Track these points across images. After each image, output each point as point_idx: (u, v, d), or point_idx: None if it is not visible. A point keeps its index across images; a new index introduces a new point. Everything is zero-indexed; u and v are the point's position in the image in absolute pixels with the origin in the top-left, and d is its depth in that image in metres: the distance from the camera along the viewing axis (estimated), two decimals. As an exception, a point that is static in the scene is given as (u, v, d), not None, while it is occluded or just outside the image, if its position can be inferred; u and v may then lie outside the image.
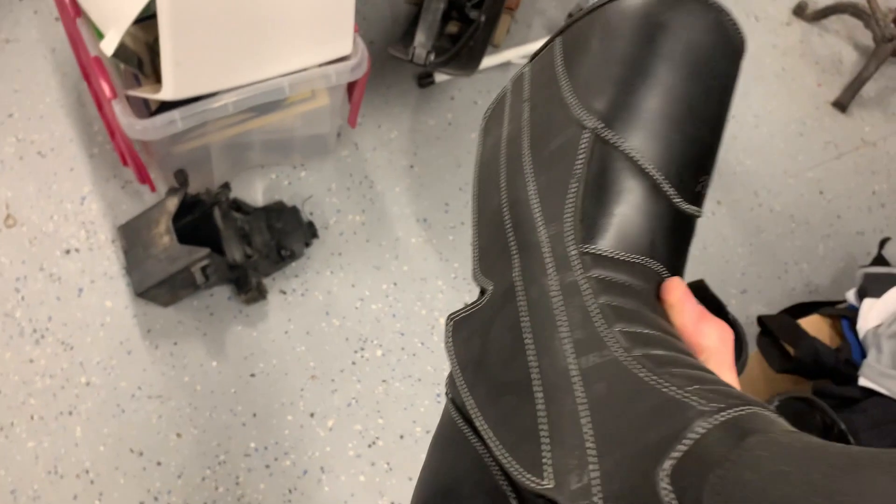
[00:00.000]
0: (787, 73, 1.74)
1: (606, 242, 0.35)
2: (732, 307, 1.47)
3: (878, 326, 1.06)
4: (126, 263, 1.24)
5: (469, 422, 0.35)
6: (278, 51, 1.11)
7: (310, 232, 1.34)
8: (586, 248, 0.35)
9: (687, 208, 0.36)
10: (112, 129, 1.20)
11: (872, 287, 1.14)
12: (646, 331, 0.32)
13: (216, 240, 1.24)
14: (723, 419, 0.26)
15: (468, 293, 1.35)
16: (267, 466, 1.18)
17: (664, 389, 0.29)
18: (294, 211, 1.34)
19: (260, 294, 1.26)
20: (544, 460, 0.31)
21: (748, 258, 1.51)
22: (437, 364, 1.29)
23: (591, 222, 0.35)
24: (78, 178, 1.33)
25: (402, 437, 1.24)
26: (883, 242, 1.34)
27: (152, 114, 1.18)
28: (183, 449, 1.18)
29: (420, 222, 1.41)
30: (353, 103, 1.31)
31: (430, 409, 1.26)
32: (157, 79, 1.16)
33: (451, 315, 0.38)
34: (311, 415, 1.23)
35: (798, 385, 1.16)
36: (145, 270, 1.20)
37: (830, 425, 0.99)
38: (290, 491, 1.18)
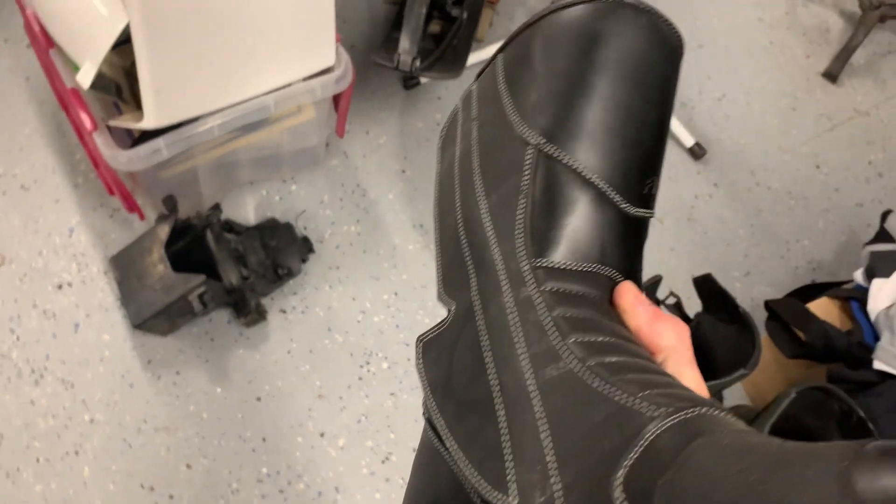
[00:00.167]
0: (775, 46, 1.72)
1: (558, 255, 0.35)
2: (736, 290, 1.46)
3: (890, 307, 1.05)
4: (121, 295, 1.21)
5: (444, 442, 0.36)
6: (260, 68, 1.08)
7: (305, 247, 1.31)
8: (538, 262, 0.35)
9: (635, 212, 0.36)
10: (95, 160, 1.17)
11: (880, 266, 1.12)
12: (601, 339, 0.33)
13: (210, 263, 1.21)
14: (669, 424, 0.27)
15: (470, 297, 1.33)
16: (281, 491, 1.17)
17: (616, 398, 0.29)
18: (288, 227, 1.31)
19: (260, 315, 1.24)
20: (508, 476, 0.31)
21: (749, 239, 1.49)
22: (444, 373, 1.27)
23: (541, 236, 0.36)
24: (64, 210, 1.30)
25: (415, 450, 1.22)
26: (885, 215, 1.33)
27: (135, 141, 1.15)
28: (194, 480, 1.16)
29: (416, 228, 1.38)
30: (339, 113, 1.28)
31: (441, 418, 1.25)
32: (137, 104, 1.13)
33: (420, 336, 0.39)
34: (322, 435, 1.21)
35: (811, 369, 1.15)
36: (141, 302, 1.17)
37: (849, 412, 0.98)
38: (306, 514, 1.16)
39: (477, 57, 1.49)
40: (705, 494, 0.24)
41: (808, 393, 0.98)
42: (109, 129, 1.08)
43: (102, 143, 1.04)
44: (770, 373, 1.24)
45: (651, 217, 0.38)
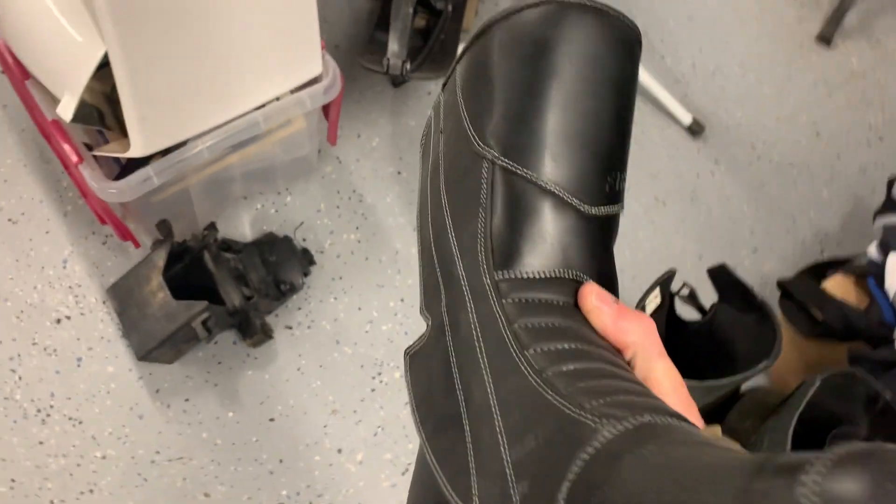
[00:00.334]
0: (766, 13, 1.68)
1: (519, 265, 0.36)
2: (745, 268, 1.44)
3: (909, 284, 1.03)
4: (122, 327, 1.18)
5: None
6: (247, 85, 1.04)
7: (306, 260, 1.28)
8: (500, 274, 0.35)
9: (596, 211, 0.36)
10: (83, 191, 1.13)
11: (894, 240, 1.10)
12: (563, 346, 0.33)
13: (211, 284, 1.18)
14: (611, 437, 0.27)
15: (478, 298, 1.31)
16: (303, 512, 1.15)
17: (567, 410, 0.30)
18: (286, 241, 1.28)
19: (266, 335, 1.21)
20: (473, 490, 0.32)
21: (754, 215, 1.47)
22: (458, 377, 1.25)
23: (501, 249, 0.36)
24: (55, 241, 1.26)
25: (434, 458, 1.20)
26: (891, 183, 1.30)
27: (123, 168, 1.12)
28: (214, 508, 1.14)
29: (417, 230, 1.35)
30: (330, 121, 1.24)
31: (458, 424, 1.23)
32: (121, 129, 1.09)
33: (406, 349, 0.39)
34: (339, 451, 1.19)
35: (829, 348, 1.14)
36: (144, 332, 1.14)
37: (875, 396, 0.97)
38: (330, 533, 1.15)
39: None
40: None
41: (833, 378, 0.96)
42: (96, 158, 1.05)
43: (90, 176, 1.00)
44: (787, 352, 1.22)
45: (618, 212, 0.38)
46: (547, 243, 0.36)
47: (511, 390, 0.32)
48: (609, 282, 0.37)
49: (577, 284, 0.36)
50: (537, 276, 0.35)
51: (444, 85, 0.43)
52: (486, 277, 0.36)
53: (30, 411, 1.16)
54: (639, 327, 0.36)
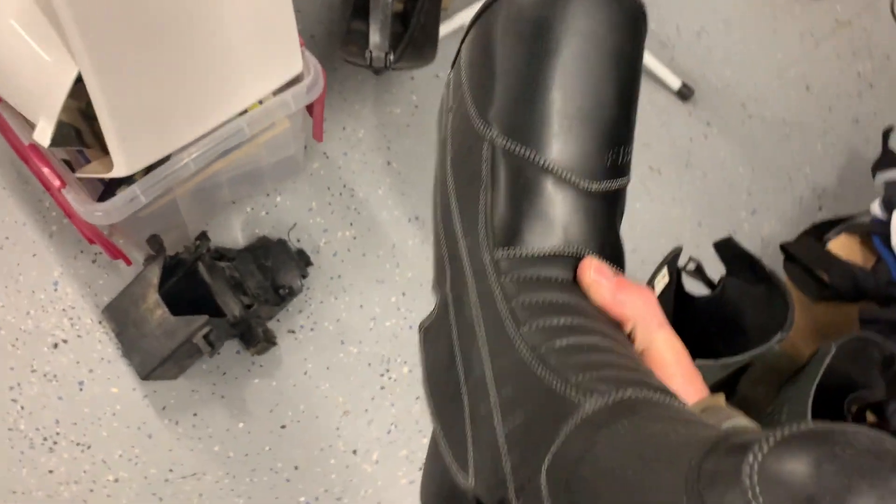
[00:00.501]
0: (747, -34, 1.65)
1: (520, 243, 0.36)
2: (745, 231, 1.42)
3: (917, 241, 1.02)
4: (122, 347, 1.16)
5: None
6: (228, 92, 1.01)
7: (302, 261, 1.26)
8: (501, 252, 0.36)
9: (597, 188, 0.36)
10: (68, 212, 1.10)
11: (898, 196, 1.09)
12: (560, 321, 0.33)
13: (208, 295, 1.16)
14: (589, 412, 0.28)
15: (480, 285, 1.29)
16: (323, 517, 1.14)
17: (554, 385, 0.30)
18: (281, 244, 1.25)
19: (269, 342, 1.19)
20: (469, 461, 0.34)
21: (750, 176, 1.45)
22: (467, 368, 1.24)
23: (502, 227, 0.36)
24: (44, 264, 1.23)
25: (450, 451, 1.20)
26: (886, 134, 1.29)
27: (107, 186, 1.09)
28: (233, 522, 1.13)
29: (412, 221, 1.33)
30: (315, 118, 1.21)
31: (471, 415, 1.22)
32: (101, 145, 1.05)
33: (421, 322, 0.40)
34: (354, 452, 1.18)
35: (839, 309, 1.13)
36: (145, 351, 1.12)
37: (890, 357, 0.96)
38: (352, 535, 1.14)
39: (447, 28, 1.41)
40: (596, 488, 0.26)
41: (847, 344, 0.95)
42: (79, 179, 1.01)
43: (74, 200, 0.97)
44: (796, 317, 1.21)
45: (622, 186, 0.37)
46: (547, 221, 0.36)
47: (506, 366, 0.33)
48: (614, 257, 0.37)
49: (577, 261, 0.36)
50: (537, 254, 0.36)
51: (454, 62, 0.43)
52: (486, 256, 0.36)
53: (36, 440, 1.14)
54: (637, 299, 0.36)
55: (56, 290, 1.22)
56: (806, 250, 1.15)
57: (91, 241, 1.15)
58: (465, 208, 0.38)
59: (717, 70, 1.53)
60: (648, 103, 1.47)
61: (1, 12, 0.90)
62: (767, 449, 0.20)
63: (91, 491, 1.12)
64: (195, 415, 1.18)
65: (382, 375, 1.23)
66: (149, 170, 1.00)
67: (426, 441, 1.19)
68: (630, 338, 0.36)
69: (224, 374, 1.20)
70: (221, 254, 1.22)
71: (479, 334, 0.35)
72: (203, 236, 1.21)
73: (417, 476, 1.18)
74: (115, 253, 1.14)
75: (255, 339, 1.17)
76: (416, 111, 1.41)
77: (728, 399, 0.34)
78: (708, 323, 1.04)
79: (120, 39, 0.86)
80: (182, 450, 1.16)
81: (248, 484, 1.15)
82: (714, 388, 0.35)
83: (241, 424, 1.18)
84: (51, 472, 1.13)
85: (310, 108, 1.19)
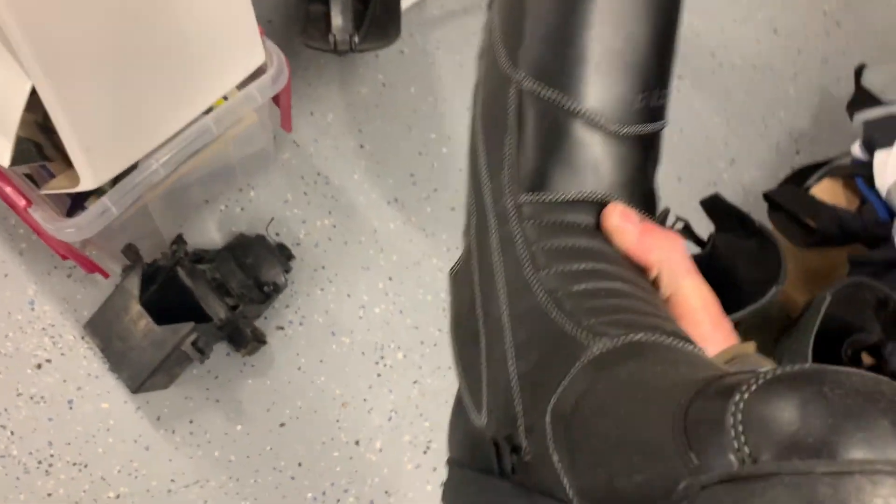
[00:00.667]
0: (705, -89, 1.62)
1: (544, 188, 0.35)
2: (725, 182, 1.42)
3: (901, 180, 1.02)
4: (109, 362, 1.13)
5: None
6: (191, 91, 0.97)
7: (284, 255, 1.23)
8: (525, 197, 0.35)
9: (627, 131, 0.35)
10: (37, 230, 1.06)
11: (878, 136, 1.08)
12: (580, 266, 0.33)
13: (190, 300, 1.13)
14: (595, 355, 0.28)
15: (467, 262, 1.27)
16: (332, 512, 1.13)
17: (566, 328, 0.30)
18: (260, 239, 1.22)
19: (259, 341, 1.17)
20: (483, 401, 0.34)
21: (726, 126, 1.44)
22: (461, 347, 1.23)
23: (526, 172, 0.36)
24: (17, 283, 1.19)
25: (453, 431, 1.19)
26: (858, 72, 1.28)
27: (75, 199, 1.05)
28: (242, 525, 1.12)
29: (391, 204, 1.30)
30: (282, 108, 1.18)
31: (470, 393, 1.21)
32: (63, 158, 1.01)
33: (451, 267, 0.41)
34: (357, 443, 1.17)
35: (828, 255, 1.13)
36: (133, 364, 1.09)
37: (884, 300, 0.96)
38: (363, 525, 1.14)
39: (408, 1, 1.37)
40: (591, 425, 0.26)
41: (841, 290, 0.95)
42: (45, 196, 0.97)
43: (42, 218, 0.93)
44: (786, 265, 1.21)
45: (655, 130, 0.37)
46: (572, 166, 0.35)
47: (522, 309, 0.33)
48: (645, 205, 0.37)
49: (602, 207, 0.36)
50: (561, 200, 0.35)
51: (490, 1, 0.42)
52: (509, 201, 0.36)
53: (30, 465, 1.11)
54: (664, 245, 0.35)
55: (33, 309, 1.18)
56: (790, 198, 1.15)
57: (64, 258, 1.12)
58: (491, 153, 0.37)
59: (684, 19, 1.51)
60: (618, 61, 1.45)
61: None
62: (754, 389, 0.20)
63: (93, 510, 1.10)
64: (191, 422, 1.15)
65: (377, 363, 1.21)
66: (117, 179, 0.96)
67: (428, 424, 1.18)
68: (655, 285, 0.35)
69: (216, 377, 1.18)
70: (200, 256, 1.19)
71: (499, 278, 0.35)
72: (179, 240, 1.18)
73: (423, 460, 1.17)
74: (91, 266, 1.11)
75: (245, 339, 1.15)
76: (385, 90, 1.37)
77: None
78: (700, 281, 1.04)
79: (72, 47, 0.82)
80: (182, 459, 1.14)
81: (253, 486, 1.13)
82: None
83: (239, 427, 1.16)
84: (49, 495, 1.10)
85: (276, 98, 1.15)
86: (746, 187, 1.39)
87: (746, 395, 0.20)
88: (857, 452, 0.17)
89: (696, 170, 1.40)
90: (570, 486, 0.26)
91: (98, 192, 0.96)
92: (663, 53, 0.37)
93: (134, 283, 1.09)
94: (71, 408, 1.14)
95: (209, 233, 1.25)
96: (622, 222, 0.35)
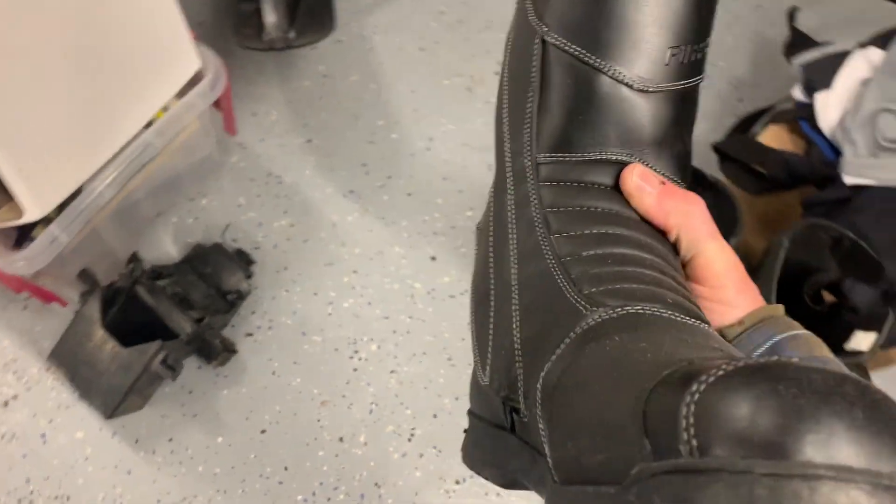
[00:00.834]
0: None
1: (564, 147, 0.34)
2: (674, 136, 1.43)
3: (843, 119, 1.04)
4: (78, 391, 1.10)
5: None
6: (128, 106, 0.94)
7: (244, 261, 1.21)
8: (544, 157, 0.34)
9: (655, 89, 0.34)
10: (-15, 266, 1.03)
11: (817, 77, 1.10)
12: (592, 231, 0.32)
13: (154, 318, 1.11)
14: (590, 325, 0.28)
15: (429, 246, 1.27)
16: (325, 511, 1.13)
17: (568, 295, 0.30)
18: (217, 248, 1.20)
19: (229, 351, 1.15)
20: (488, 361, 0.35)
21: (669, 81, 1.45)
22: (434, 331, 1.23)
23: (548, 130, 0.35)
24: (-29, 322, 1.15)
25: (435, 416, 1.19)
26: (791, 15, 1.30)
27: (22, 232, 1.01)
28: (235, 536, 1.11)
29: (347, 196, 1.29)
30: (224, 112, 1.15)
31: (448, 376, 1.21)
32: (3, 190, 0.98)
33: (477, 223, 0.40)
34: (340, 439, 1.17)
35: (781, 199, 1.15)
36: (103, 391, 1.07)
37: (839, 238, 0.99)
38: (357, 520, 1.14)
39: (337, -9, 1.35)
40: (569, 398, 0.26)
41: (797, 234, 0.97)
42: (-13, 232, 0.94)
43: (-11, 254, 0.90)
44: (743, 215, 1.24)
45: (688, 87, 0.35)
46: (595, 124, 0.34)
47: (531, 272, 0.33)
48: (675, 163, 0.35)
49: (624, 167, 0.34)
50: (581, 159, 0.34)
51: None
52: (528, 159, 0.35)
53: (11, 505, 1.09)
54: (684, 207, 0.34)
55: (-9, 346, 1.15)
56: (738, 147, 1.17)
57: (18, 290, 1.08)
58: (514, 109, 0.36)
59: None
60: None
61: None
62: (712, 381, 0.19)
63: (82, 541, 1.08)
64: (171, 440, 1.14)
65: (352, 358, 1.21)
66: (63, 205, 0.93)
67: (409, 412, 1.18)
68: (675, 248, 0.34)
69: (190, 392, 1.16)
70: (158, 272, 1.16)
71: (511, 239, 0.35)
72: (135, 258, 1.16)
73: (408, 448, 1.18)
74: (47, 297, 1.08)
75: (214, 351, 1.13)
76: (326, 81, 1.35)
77: None
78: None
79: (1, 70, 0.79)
80: (166, 478, 1.12)
81: (242, 496, 1.13)
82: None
83: (219, 439, 1.15)
84: (34, 532, 1.08)
85: (216, 103, 1.13)
86: (695, 139, 1.40)
87: (703, 387, 0.19)
88: (805, 454, 0.17)
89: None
90: (549, 456, 0.26)
91: (45, 221, 0.93)
92: (699, 6, 0.34)
93: (94, 308, 1.06)
94: (45, 442, 1.12)
95: (165, 247, 1.22)
96: (641, 182, 0.34)
